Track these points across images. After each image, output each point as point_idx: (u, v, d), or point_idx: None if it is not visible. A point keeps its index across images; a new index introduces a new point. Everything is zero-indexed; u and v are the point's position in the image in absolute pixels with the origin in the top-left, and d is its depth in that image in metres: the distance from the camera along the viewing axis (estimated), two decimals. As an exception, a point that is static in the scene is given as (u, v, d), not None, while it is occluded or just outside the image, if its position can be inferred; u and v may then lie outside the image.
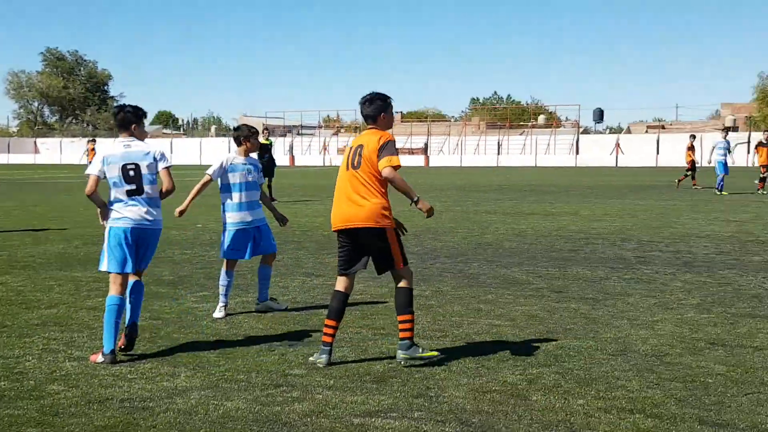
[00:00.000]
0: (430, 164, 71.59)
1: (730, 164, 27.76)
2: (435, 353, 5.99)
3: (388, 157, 5.82)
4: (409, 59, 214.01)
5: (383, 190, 5.96)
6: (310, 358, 6.03)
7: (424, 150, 76.67)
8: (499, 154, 73.56)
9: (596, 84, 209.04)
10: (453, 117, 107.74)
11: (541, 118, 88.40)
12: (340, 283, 6.08)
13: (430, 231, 15.12)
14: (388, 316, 7.62)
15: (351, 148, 6.09)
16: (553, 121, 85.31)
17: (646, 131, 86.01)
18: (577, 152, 70.80)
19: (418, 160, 74.22)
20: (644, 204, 22.09)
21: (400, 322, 5.98)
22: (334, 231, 6.10)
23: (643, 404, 5.02)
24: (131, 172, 6.14)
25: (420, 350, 5.92)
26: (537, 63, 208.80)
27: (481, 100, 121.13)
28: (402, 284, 6.02)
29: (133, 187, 6.14)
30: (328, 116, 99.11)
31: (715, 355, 6.17)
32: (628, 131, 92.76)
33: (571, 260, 11.32)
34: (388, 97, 6.15)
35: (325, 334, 5.98)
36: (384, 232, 5.95)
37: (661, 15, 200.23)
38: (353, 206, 5.94)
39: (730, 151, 28.14)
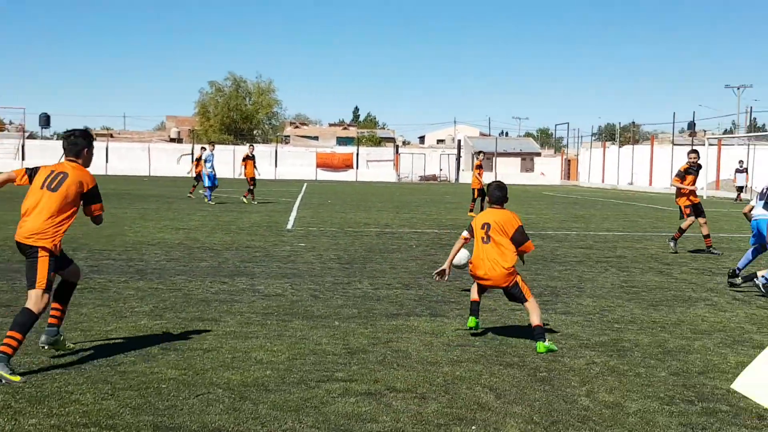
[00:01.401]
0: None
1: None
2: (18, 378, 5.74)
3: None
4: None
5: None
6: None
7: None
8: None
9: (42, 89, 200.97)
10: None
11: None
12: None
13: None
14: None
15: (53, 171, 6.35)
16: (-3, 123, 79.48)
17: (96, 139, 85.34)
18: (23, 158, 67.10)
19: None
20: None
21: (7, 336, 5.92)
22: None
23: (98, 416, 4.97)
24: None
25: (8, 370, 5.77)
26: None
27: None
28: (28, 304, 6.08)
29: None
30: None
31: (168, 359, 6.39)
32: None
33: (20, 272, 10.52)
34: (93, 135, 6.76)
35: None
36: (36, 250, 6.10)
37: (140, 21, 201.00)
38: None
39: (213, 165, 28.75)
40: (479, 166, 26.30)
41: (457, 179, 72.57)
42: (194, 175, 31.69)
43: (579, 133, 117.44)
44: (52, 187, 6.23)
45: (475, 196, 25.88)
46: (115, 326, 7.56)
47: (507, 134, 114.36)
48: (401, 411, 5.27)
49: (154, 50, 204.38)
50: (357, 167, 70.18)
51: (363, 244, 15.40)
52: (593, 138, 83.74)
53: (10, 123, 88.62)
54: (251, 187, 28.97)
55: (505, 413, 5.30)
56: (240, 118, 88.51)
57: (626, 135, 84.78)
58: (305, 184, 50.99)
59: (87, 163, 6.57)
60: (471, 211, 25.70)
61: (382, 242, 15.90)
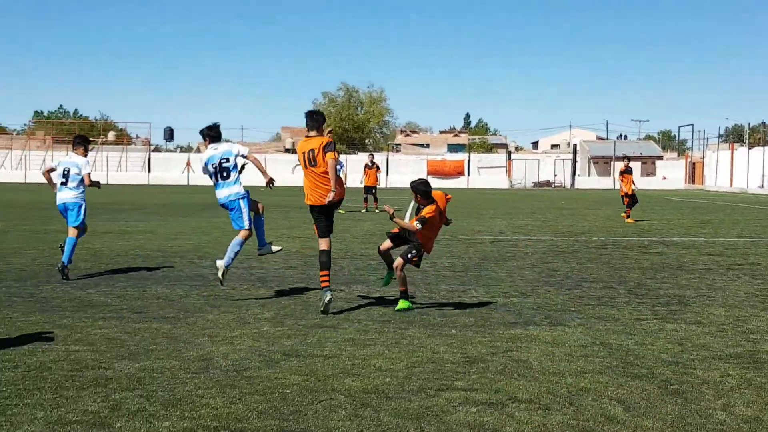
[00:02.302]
0: (-11, 179, 65.61)
1: None
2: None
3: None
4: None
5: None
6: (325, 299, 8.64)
7: (-20, 163, 69.80)
8: (65, 169, 69.67)
9: (166, 103, 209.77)
10: (15, 130, 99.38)
11: (111, 135, 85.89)
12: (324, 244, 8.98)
13: (-11, 252, 13.73)
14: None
15: (304, 153, 8.92)
16: (123, 138, 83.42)
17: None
18: (149, 170, 70.13)
19: (-27, 175, 67.60)
20: (217, 221, 22.59)
21: (322, 275, 8.84)
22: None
23: (227, 420, 5.10)
24: None
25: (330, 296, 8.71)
26: (104, 78, 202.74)
27: (45, 114, 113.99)
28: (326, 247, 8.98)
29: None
30: None
31: (291, 365, 6.51)
32: (198, 150, 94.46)
33: (150, 279, 11.13)
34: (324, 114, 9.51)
35: (323, 281, 8.78)
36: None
37: (256, 35, 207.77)
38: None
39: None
40: (623, 172, 25.33)
41: (572, 185, 71.15)
42: None
43: (704, 134, 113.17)
44: (312, 163, 8.72)
45: (626, 201, 24.66)
46: (240, 332, 7.76)
47: (626, 137, 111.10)
48: (524, 422, 5.17)
49: (269, 62, 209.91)
50: (468, 174, 69.91)
51: (477, 252, 15.28)
52: (720, 140, 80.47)
53: (137, 137, 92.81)
54: (371, 195, 29.36)
55: (634, 426, 5.12)
56: (352, 127, 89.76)
57: (756, 136, 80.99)
58: (418, 192, 51.04)
59: (322, 134, 8.90)
60: (628, 218, 24.39)
61: (496, 250, 15.74)
